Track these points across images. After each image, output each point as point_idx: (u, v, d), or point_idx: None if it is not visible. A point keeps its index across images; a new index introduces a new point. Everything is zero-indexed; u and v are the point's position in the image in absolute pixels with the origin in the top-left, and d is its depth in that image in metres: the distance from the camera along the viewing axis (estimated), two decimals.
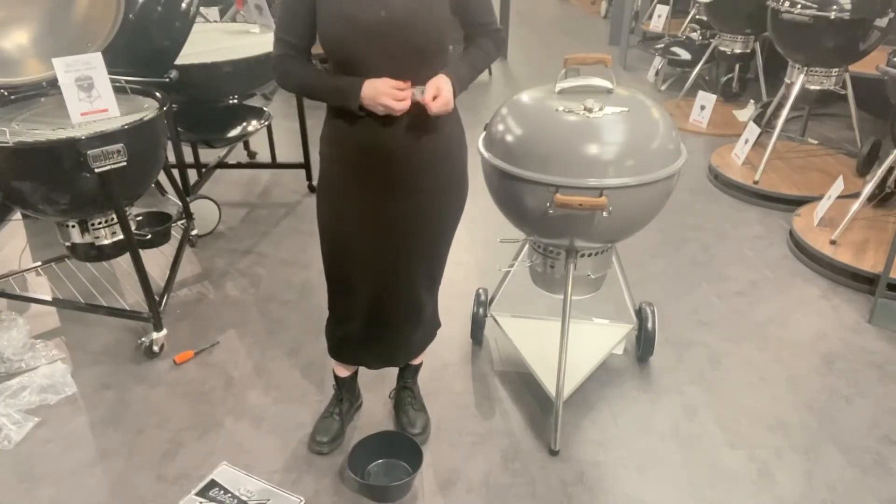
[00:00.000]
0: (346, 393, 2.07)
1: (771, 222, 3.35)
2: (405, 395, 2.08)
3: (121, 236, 2.34)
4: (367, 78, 1.51)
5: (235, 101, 3.38)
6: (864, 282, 2.75)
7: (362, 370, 2.08)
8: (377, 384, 2.24)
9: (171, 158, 2.76)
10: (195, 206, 3.10)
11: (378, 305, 1.82)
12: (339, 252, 1.75)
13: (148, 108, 2.28)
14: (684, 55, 5.25)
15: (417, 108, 1.52)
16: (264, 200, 3.62)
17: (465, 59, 1.62)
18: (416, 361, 2.06)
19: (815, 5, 3.26)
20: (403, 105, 1.47)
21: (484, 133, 1.91)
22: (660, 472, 1.93)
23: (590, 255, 1.95)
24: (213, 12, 4.68)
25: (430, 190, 1.67)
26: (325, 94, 1.57)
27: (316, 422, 2.05)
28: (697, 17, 5.57)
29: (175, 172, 2.94)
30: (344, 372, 2.02)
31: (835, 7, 3.21)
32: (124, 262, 2.67)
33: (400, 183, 1.64)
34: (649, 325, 2.28)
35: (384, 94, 1.46)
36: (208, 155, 3.67)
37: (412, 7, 1.48)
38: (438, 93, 1.49)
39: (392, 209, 1.67)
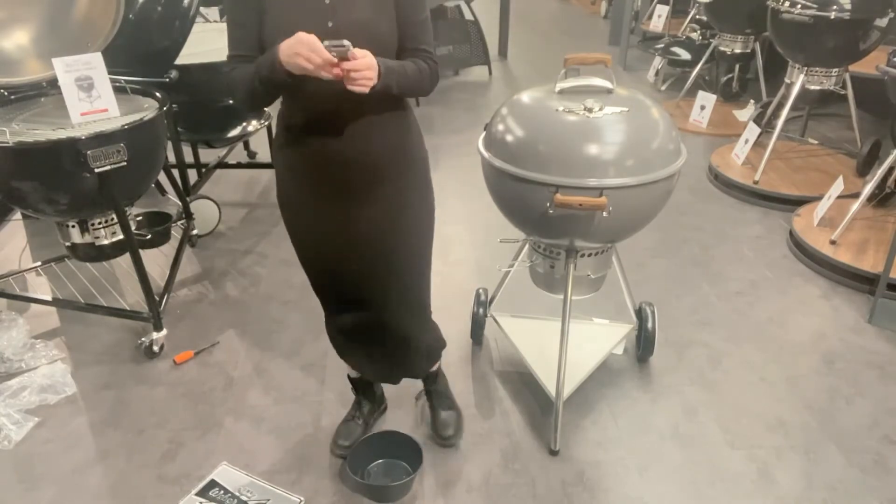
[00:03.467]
0: (365, 395, 2.05)
1: (771, 222, 3.35)
2: (430, 397, 2.06)
3: (121, 236, 2.34)
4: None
5: None
6: (864, 282, 2.75)
7: None
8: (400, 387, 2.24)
9: (171, 158, 2.76)
10: (195, 206, 3.10)
11: (364, 324, 1.78)
12: (311, 264, 1.73)
13: (148, 108, 2.28)
14: (684, 55, 5.25)
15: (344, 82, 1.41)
16: (264, 200, 3.62)
17: (396, 61, 1.52)
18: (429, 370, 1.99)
19: (815, 5, 3.26)
20: (316, 60, 1.32)
21: (484, 133, 1.91)
22: (660, 472, 1.93)
23: (590, 255, 1.95)
24: (213, 12, 4.68)
25: (390, 197, 1.61)
26: (259, 76, 1.43)
27: (338, 425, 2.04)
28: (697, 17, 5.58)
29: (175, 172, 2.94)
30: (355, 372, 2.01)
31: (835, 7, 3.21)
32: (124, 262, 2.68)
33: (357, 190, 1.58)
34: (649, 325, 2.28)
35: (297, 49, 1.32)
36: (208, 155, 3.67)
37: (360, 18, 1.45)
38: (362, 56, 1.36)
39: (354, 217, 1.60)
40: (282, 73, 1.37)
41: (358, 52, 1.34)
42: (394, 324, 1.76)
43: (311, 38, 1.31)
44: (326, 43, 1.33)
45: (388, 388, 2.17)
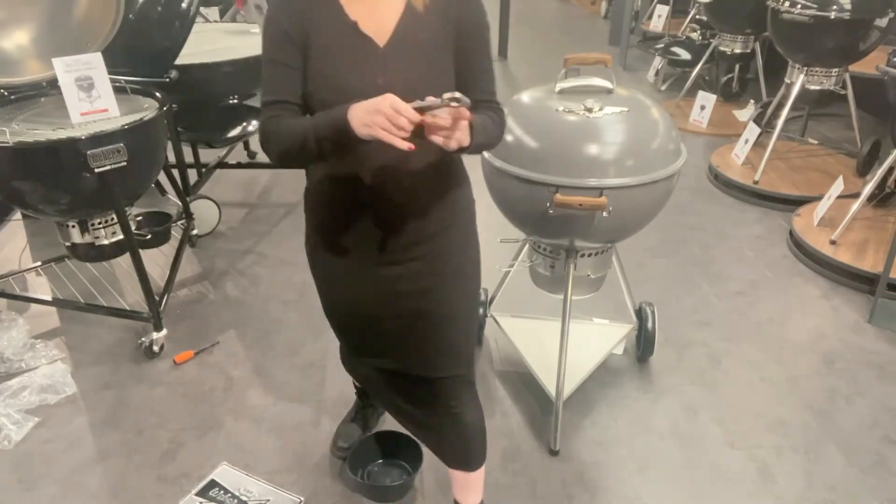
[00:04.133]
0: (367, 399, 2.02)
1: (771, 222, 3.35)
2: None
3: (121, 236, 2.34)
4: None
5: (235, 101, 3.38)
6: (864, 282, 2.75)
7: None
8: None
9: (171, 158, 2.76)
10: (195, 206, 3.10)
11: (396, 376, 1.58)
12: (342, 321, 1.58)
13: (148, 108, 2.28)
14: (684, 55, 5.24)
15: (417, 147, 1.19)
16: (264, 200, 3.62)
17: (479, 114, 1.29)
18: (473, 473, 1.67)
19: (815, 5, 3.26)
20: (401, 132, 1.09)
21: None
22: (660, 472, 1.93)
23: (590, 255, 1.95)
24: (213, 12, 4.68)
25: (435, 251, 1.41)
26: (316, 136, 1.20)
27: (338, 426, 2.03)
28: (697, 17, 5.57)
29: (175, 172, 2.94)
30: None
31: (835, 7, 3.21)
32: (124, 262, 2.67)
33: (398, 244, 1.39)
34: (649, 325, 2.28)
35: (374, 120, 1.08)
36: (208, 155, 3.67)
37: (415, 74, 1.26)
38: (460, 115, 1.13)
39: (394, 274, 1.41)
40: (352, 140, 1.14)
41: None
42: (432, 387, 1.53)
43: (396, 102, 1.07)
44: (430, 103, 1.09)
45: None
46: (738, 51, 4.69)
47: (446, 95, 1.09)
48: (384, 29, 1.25)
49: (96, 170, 2.04)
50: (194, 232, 3.11)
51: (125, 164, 2.09)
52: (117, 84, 2.26)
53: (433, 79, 1.27)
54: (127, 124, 2.10)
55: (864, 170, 3.65)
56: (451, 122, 1.11)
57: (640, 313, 2.31)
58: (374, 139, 1.10)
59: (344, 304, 1.52)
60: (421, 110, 1.09)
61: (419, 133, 1.13)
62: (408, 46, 1.26)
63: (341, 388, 2.24)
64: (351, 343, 1.64)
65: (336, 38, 1.24)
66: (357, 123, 1.11)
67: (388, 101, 1.07)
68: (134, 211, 2.48)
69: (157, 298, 2.42)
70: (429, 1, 1.27)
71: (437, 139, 1.12)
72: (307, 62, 1.25)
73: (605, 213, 1.70)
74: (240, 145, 4.03)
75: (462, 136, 1.14)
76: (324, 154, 1.23)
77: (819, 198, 3.18)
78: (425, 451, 1.95)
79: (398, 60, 1.24)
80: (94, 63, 2.10)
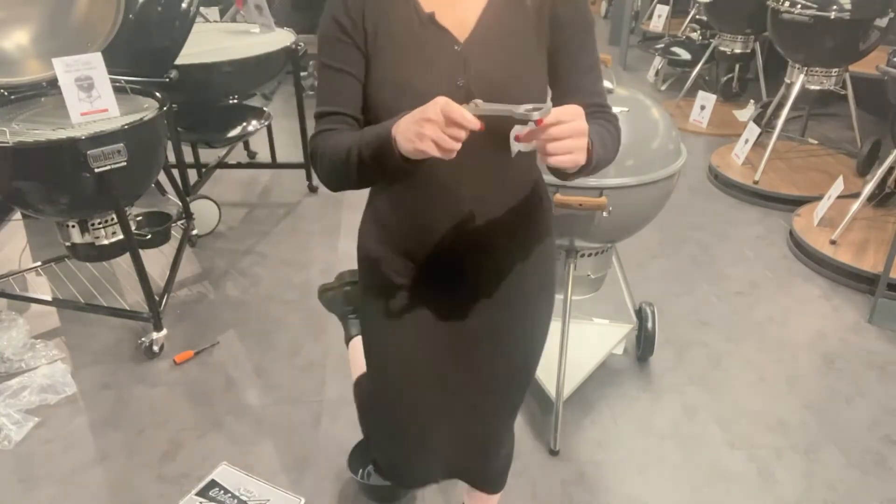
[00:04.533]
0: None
1: (771, 222, 3.35)
2: None
3: (121, 236, 2.34)
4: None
5: (235, 101, 3.38)
6: (864, 282, 2.75)
7: None
8: None
9: (171, 158, 2.76)
10: (195, 206, 3.10)
11: (440, 444, 1.40)
12: (395, 390, 1.31)
13: (148, 108, 2.28)
14: (684, 55, 5.24)
15: (496, 160, 1.05)
16: (264, 200, 3.62)
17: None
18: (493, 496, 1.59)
19: (815, 5, 3.26)
20: (453, 143, 0.86)
21: None
22: (660, 472, 1.93)
23: (590, 255, 1.95)
24: (213, 12, 4.68)
25: (512, 288, 1.22)
26: (360, 153, 0.99)
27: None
28: (697, 17, 5.57)
29: (175, 172, 2.94)
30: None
31: (835, 7, 3.21)
32: (124, 262, 2.67)
33: (470, 281, 1.20)
34: (649, 325, 2.28)
35: (423, 129, 0.85)
36: (208, 155, 3.67)
37: (501, 74, 1.04)
38: (570, 118, 0.87)
39: (466, 329, 1.23)
40: (396, 158, 0.92)
41: (563, 110, 0.87)
42: (476, 431, 1.39)
43: (449, 106, 0.84)
44: (493, 109, 0.87)
45: None
46: (738, 51, 4.69)
47: (524, 107, 0.85)
48: (465, 20, 1.04)
49: (96, 170, 2.03)
50: (194, 232, 3.11)
51: (125, 164, 2.08)
52: (117, 84, 2.26)
53: (523, 79, 1.06)
54: (127, 124, 2.10)
55: (864, 170, 3.65)
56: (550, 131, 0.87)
57: (640, 313, 2.31)
58: (423, 156, 0.87)
59: (403, 351, 1.26)
60: (484, 117, 0.86)
61: (499, 145, 0.95)
62: (493, 41, 1.04)
63: (341, 388, 2.24)
64: (410, 429, 1.34)
65: (406, 31, 1.04)
66: (403, 139, 0.89)
67: (440, 105, 0.84)
68: (134, 211, 2.48)
69: (157, 298, 2.42)
70: None
71: (557, 159, 0.87)
72: (371, 62, 1.06)
73: (605, 213, 1.70)
74: (240, 145, 4.03)
75: (578, 154, 0.88)
76: (367, 179, 1.04)
77: (819, 198, 3.18)
78: None
79: (481, 58, 1.04)
80: (94, 63, 2.10)
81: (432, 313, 1.23)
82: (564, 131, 0.86)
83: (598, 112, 1.10)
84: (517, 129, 0.91)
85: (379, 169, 0.98)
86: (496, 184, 1.12)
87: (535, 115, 0.85)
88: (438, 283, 1.20)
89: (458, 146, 0.86)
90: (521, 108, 0.85)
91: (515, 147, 0.92)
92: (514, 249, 1.19)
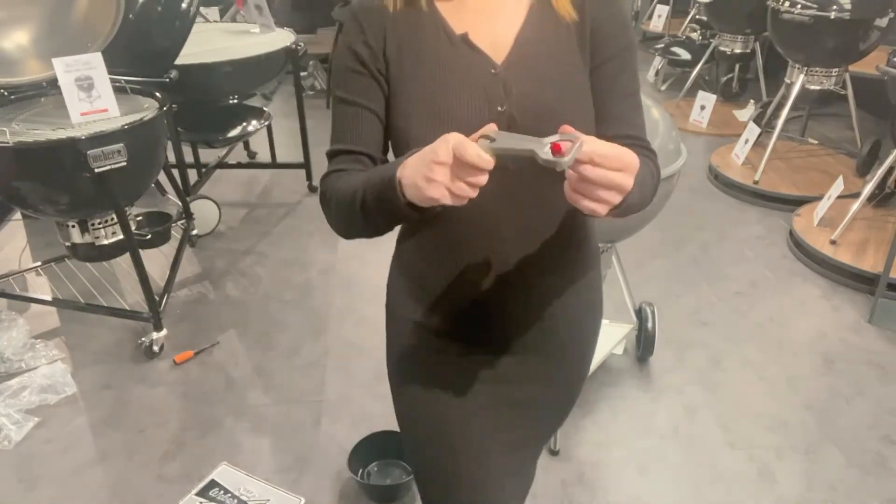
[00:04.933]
0: None
1: (771, 222, 3.35)
2: None
3: (121, 236, 2.34)
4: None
5: (235, 101, 3.38)
6: (864, 282, 2.75)
7: None
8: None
9: (171, 158, 2.76)
10: (195, 206, 3.10)
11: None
12: (440, 474, 1.10)
13: (148, 108, 2.28)
14: (684, 55, 5.24)
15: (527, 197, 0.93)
16: (264, 200, 3.62)
17: None
18: None
19: (815, 5, 3.26)
20: (467, 191, 0.74)
21: None
22: (660, 472, 1.93)
23: None
24: (213, 12, 4.69)
25: (568, 354, 1.12)
26: (365, 196, 0.87)
27: None
28: (697, 17, 5.57)
29: (175, 172, 2.94)
30: None
31: (835, 7, 3.21)
32: (124, 262, 2.68)
33: (524, 351, 1.06)
34: (649, 325, 2.28)
35: (430, 172, 0.73)
36: (208, 155, 3.67)
37: (546, 99, 0.93)
38: (613, 154, 0.73)
39: (515, 394, 1.08)
40: (402, 207, 0.80)
41: (607, 153, 0.72)
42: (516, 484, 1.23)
43: (462, 145, 0.71)
44: (511, 146, 0.73)
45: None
46: (738, 51, 4.69)
47: (549, 140, 0.71)
48: (500, 40, 0.94)
49: (96, 170, 2.03)
50: (194, 232, 3.11)
51: (125, 164, 2.08)
52: (117, 84, 2.26)
53: (570, 102, 0.94)
54: (127, 124, 2.10)
55: (864, 170, 3.65)
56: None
57: (640, 313, 2.31)
58: (434, 204, 0.75)
59: (437, 418, 1.08)
60: (500, 153, 0.72)
61: (533, 173, 0.78)
62: (533, 61, 0.94)
63: (341, 388, 2.24)
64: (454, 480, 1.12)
65: (437, 55, 0.94)
66: (409, 184, 0.76)
67: (451, 144, 0.72)
68: (134, 211, 2.48)
69: (157, 298, 2.42)
70: (556, 2, 0.96)
71: (582, 203, 0.75)
72: (397, 93, 0.95)
73: None
74: (240, 145, 4.03)
75: (607, 206, 0.75)
76: (375, 227, 0.91)
77: (819, 198, 3.18)
78: None
79: (523, 80, 0.93)
80: (94, 63, 2.10)
81: (475, 379, 1.07)
82: (600, 178, 0.72)
83: (636, 146, 0.92)
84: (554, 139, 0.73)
85: (386, 218, 0.87)
86: (544, 215, 0.97)
87: (564, 164, 0.70)
88: (482, 342, 1.05)
89: (474, 193, 0.74)
90: (546, 146, 0.71)
91: (560, 163, 0.71)
92: (564, 292, 1.05)
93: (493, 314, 1.02)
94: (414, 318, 1.07)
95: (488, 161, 0.71)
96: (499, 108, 0.92)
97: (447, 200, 0.74)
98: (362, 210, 0.87)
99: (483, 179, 0.73)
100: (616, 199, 0.75)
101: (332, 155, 0.99)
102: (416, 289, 1.06)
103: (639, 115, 1.00)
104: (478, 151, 0.71)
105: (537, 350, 1.07)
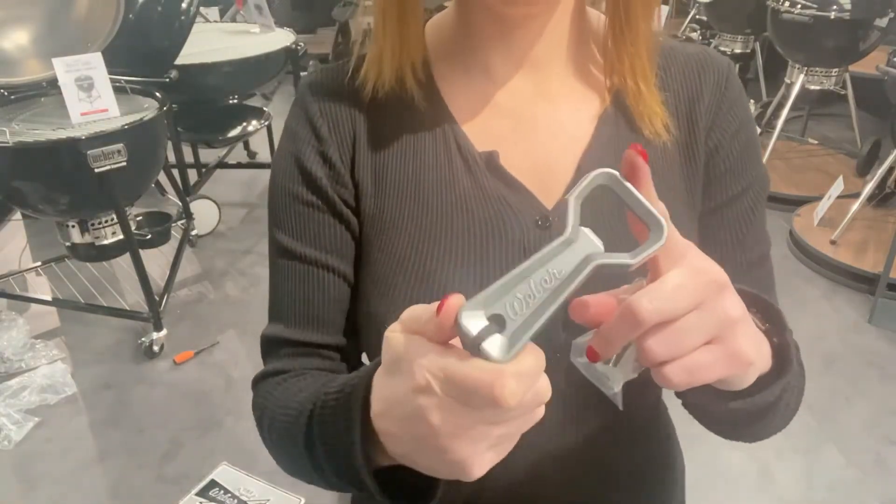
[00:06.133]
0: None
1: (771, 222, 3.31)
2: None
3: (121, 236, 2.33)
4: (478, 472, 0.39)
5: (235, 101, 3.38)
6: (864, 282, 2.75)
7: None
8: None
9: (171, 158, 2.76)
10: (195, 206, 3.10)
11: None
12: None
13: (148, 108, 2.28)
14: None
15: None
16: (264, 200, 3.59)
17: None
18: None
19: (815, 5, 3.25)
20: (506, 444, 0.39)
21: None
22: None
23: None
24: (213, 12, 4.68)
25: None
26: (301, 420, 0.55)
27: None
28: (697, 17, 5.57)
29: (175, 172, 2.94)
30: None
31: (835, 7, 3.20)
32: (124, 262, 2.67)
33: None
34: None
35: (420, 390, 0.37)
36: (208, 155, 3.67)
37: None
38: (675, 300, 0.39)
39: None
40: (360, 473, 0.46)
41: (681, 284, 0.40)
42: None
43: (452, 370, 0.36)
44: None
45: None
46: (738, 51, 4.68)
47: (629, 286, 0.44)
48: (550, 168, 0.59)
49: (96, 170, 2.03)
50: (194, 232, 3.11)
51: (125, 164, 2.08)
52: (117, 84, 2.26)
53: None
54: (127, 124, 2.10)
55: (864, 170, 3.64)
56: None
57: None
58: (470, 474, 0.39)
59: None
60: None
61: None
62: (609, 206, 0.57)
63: None
64: None
65: (440, 184, 0.59)
66: (391, 441, 0.42)
67: (432, 357, 0.37)
68: (134, 211, 2.48)
69: (157, 298, 2.42)
70: (639, 113, 0.60)
71: (660, 370, 0.41)
72: (373, 241, 0.60)
73: None
74: (240, 145, 4.03)
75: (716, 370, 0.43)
76: (329, 482, 0.56)
77: (819, 198, 3.18)
78: None
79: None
80: (94, 63, 2.10)
81: None
82: (666, 311, 0.39)
83: (752, 280, 0.63)
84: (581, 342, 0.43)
85: (341, 479, 0.51)
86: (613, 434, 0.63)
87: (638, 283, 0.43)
88: None
89: (511, 445, 0.40)
90: (641, 282, 0.45)
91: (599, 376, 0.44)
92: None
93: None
94: None
95: (540, 362, 0.37)
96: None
97: (491, 456, 0.39)
98: (307, 449, 0.53)
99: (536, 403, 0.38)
100: (741, 364, 0.42)
101: (268, 343, 0.67)
102: None
103: (771, 279, 0.67)
104: (481, 367, 0.35)
105: None
